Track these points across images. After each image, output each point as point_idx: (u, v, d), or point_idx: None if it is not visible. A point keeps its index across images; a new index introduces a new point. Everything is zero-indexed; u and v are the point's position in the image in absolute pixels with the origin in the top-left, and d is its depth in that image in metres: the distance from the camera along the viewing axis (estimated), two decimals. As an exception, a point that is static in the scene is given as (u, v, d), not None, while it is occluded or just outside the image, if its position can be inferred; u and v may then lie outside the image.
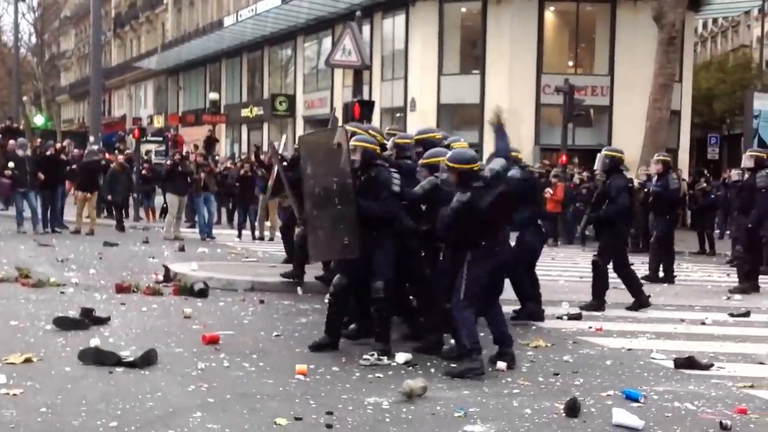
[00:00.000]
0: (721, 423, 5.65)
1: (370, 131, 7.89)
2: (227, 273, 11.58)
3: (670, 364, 7.48)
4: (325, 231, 7.33)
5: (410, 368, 7.00)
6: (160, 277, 11.31)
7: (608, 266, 10.42)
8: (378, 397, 6.10)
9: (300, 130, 38.95)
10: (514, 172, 8.59)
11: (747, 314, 10.20)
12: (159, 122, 50.70)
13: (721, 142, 40.30)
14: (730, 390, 6.69)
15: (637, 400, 6.23)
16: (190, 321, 8.70)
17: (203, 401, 5.88)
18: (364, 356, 7.08)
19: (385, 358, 7.12)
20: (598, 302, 10.32)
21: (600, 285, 10.36)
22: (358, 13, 13.07)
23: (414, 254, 7.77)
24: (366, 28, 33.35)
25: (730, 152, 41.30)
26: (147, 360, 6.79)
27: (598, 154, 10.71)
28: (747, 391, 6.65)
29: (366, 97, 32.67)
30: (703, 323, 9.71)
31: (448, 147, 7.97)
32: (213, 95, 41.40)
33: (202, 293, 10.14)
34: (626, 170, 10.65)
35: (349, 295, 7.55)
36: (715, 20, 52.54)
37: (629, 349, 8.14)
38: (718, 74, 45.45)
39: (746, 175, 13.29)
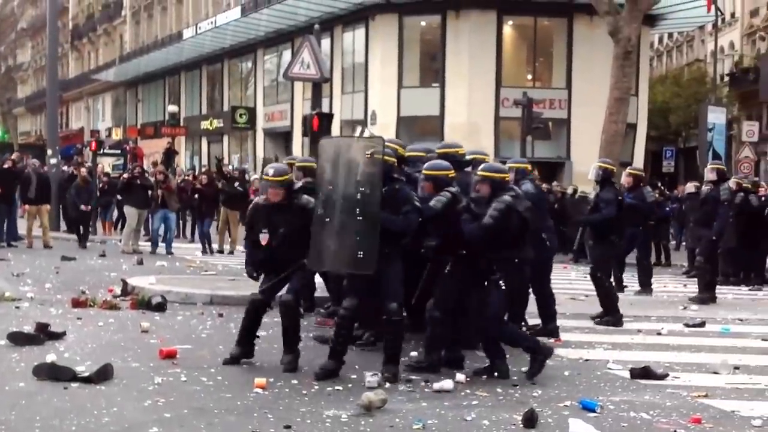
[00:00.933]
0: (675, 432, 5.74)
1: (390, 144, 7.75)
2: (186, 286, 11.48)
3: (627, 374, 7.56)
4: (337, 241, 6.94)
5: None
6: (118, 291, 11.18)
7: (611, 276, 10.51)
8: (337, 410, 6.09)
9: (260, 143, 38.90)
10: (527, 186, 8.57)
11: (702, 324, 10.36)
12: (117, 135, 50.22)
13: (676, 155, 40.96)
14: (685, 400, 6.78)
15: (593, 411, 6.29)
16: (147, 335, 8.62)
17: (160, 416, 5.82)
18: (368, 378, 6.80)
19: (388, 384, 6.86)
20: (614, 317, 10.19)
21: (608, 297, 10.31)
22: (317, 26, 13.10)
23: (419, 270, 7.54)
24: (326, 41, 33.41)
25: (685, 165, 41.97)
26: (103, 375, 6.71)
27: (593, 165, 10.77)
28: (702, 401, 6.74)
29: (326, 109, 32.81)
30: (659, 333, 9.84)
31: (469, 163, 8.15)
32: (172, 107, 41.17)
33: (160, 307, 10.04)
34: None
35: (357, 317, 7.25)
36: (671, 35, 53.42)
37: (587, 360, 8.23)
38: (674, 88, 46.18)
39: (705, 188, 13.50)
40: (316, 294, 10.52)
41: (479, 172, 7.31)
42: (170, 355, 7.58)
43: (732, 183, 13.94)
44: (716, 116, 28.56)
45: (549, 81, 31.59)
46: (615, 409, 6.41)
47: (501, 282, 7.25)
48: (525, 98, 24.80)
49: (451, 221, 7.16)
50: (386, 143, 7.35)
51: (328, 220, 6.95)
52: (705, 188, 13.45)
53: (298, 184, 7.82)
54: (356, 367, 7.46)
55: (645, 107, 32.83)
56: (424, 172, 7.35)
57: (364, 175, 6.89)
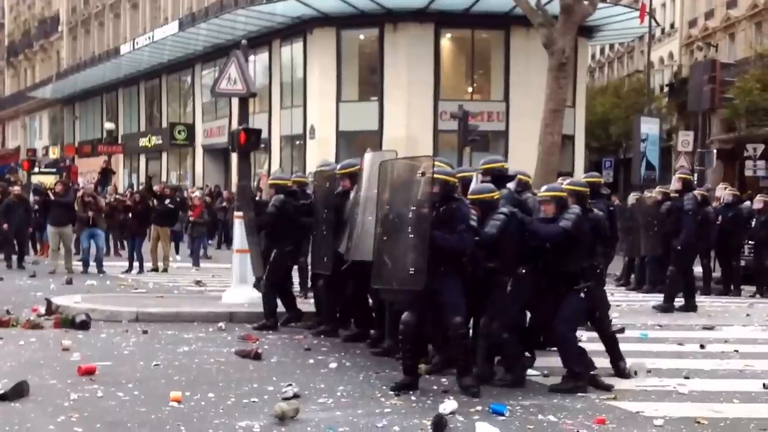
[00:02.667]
0: (578, 433, 5.91)
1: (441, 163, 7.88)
2: (111, 304, 11.40)
3: (542, 379, 7.73)
4: (392, 259, 7.11)
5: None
6: (42, 310, 11.05)
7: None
8: (250, 421, 6.15)
9: (199, 160, 38.66)
10: (532, 199, 8.51)
11: (622, 330, 10.57)
12: (55, 153, 49.51)
13: (616, 166, 41.68)
14: (593, 402, 6.97)
15: (502, 414, 6.45)
16: (68, 353, 8.54)
17: (71, 431, 5.81)
18: (284, 389, 6.87)
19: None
20: None
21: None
22: (244, 41, 13.09)
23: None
24: (264, 56, 33.53)
25: (625, 176, 42.74)
26: (18, 392, 6.67)
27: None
28: (609, 403, 6.94)
29: (266, 124, 32.90)
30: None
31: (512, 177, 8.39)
32: (109, 125, 40.75)
33: (84, 325, 9.96)
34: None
35: (420, 332, 7.27)
36: (611, 46, 54.47)
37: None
38: (613, 99, 47.07)
39: (661, 198, 13.68)
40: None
41: (544, 194, 7.55)
42: (89, 372, 7.55)
43: (696, 194, 13.72)
44: (649, 127, 29.15)
45: (487, 93, 31.94)
46: (523, 413, 6.57)
47: (584, 291, 7.38)
48: (461, 111, 25.09)
49: (509, 242, 7.31)
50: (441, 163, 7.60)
51: (385, 239, 7.15)
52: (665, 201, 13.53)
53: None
54: (273, 378, 7.53)
55: (582, 118, 33.36)
56: (470, 196, 7.49)
57: (415, 194, 7.04)
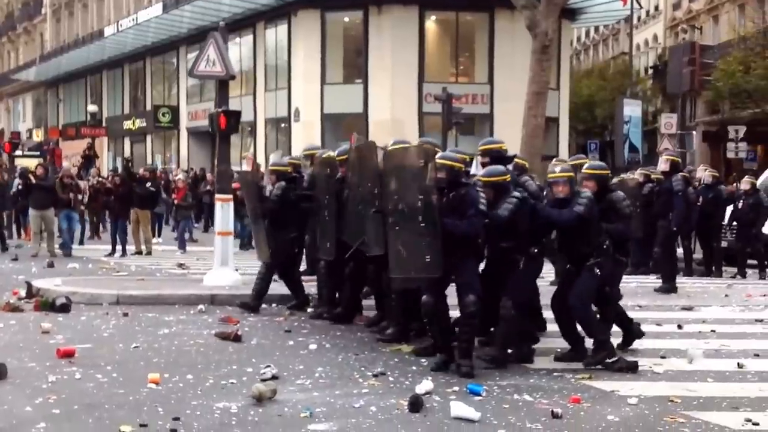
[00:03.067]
0: (552, 412, 5.97)
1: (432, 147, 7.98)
2: (92, 287, 11.38)
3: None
4: (407, 248, 7.19)
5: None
6: (22, 293, 11.03)
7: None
8: (228, 402, 6.18)
9: (184, 143, 38.51)
10: (531, 182, 8.60)
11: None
12: (39, 136, 49.21)
13: (601, 148, 41.82)
14: (569, 382, 7.04)
15: (479, 394, 6.51)
16: (48, 336, 8.55)
17: (49, 413, 5.85)
18: (262, 370, 6.94)
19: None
20: None
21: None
22: (222, 23, 13.03)
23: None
24: (248, 38, 33.38)
25: (611, 158, 42.84)
26: (-4, 375, 6.68)
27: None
28: (585, 382, 7.01)
29: (251, 107, 32.79)
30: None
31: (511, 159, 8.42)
32: (92, 107, 40.47)
33: (64, 308, 9.96)
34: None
35: (440, 311, 7.41)
36: (596, 29, 54.50)
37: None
38: (599, 82, 47.14)
39: (643, 180, 13.69)
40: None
41: (558, 174, 7.64)
42: (68, 354, 7.56)
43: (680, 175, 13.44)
44: (632, 109, 29.27)
45: (472, 76, 31.91)
46: (500, 392, 6.63)
47: (597, 268, 7.51)
48: (445, 93, 25.08)
49: (520, 223, 7.40)
50: (456, 150, 7.82)
51: (397, 228, 7.22)
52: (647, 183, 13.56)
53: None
54: (253, 360, 7.57)
55: (567, 101, 33.37)
56: (481, 179, 7.52)
57: (420, 183, 7.10)
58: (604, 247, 7.62)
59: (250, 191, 10.63)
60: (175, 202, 19.61)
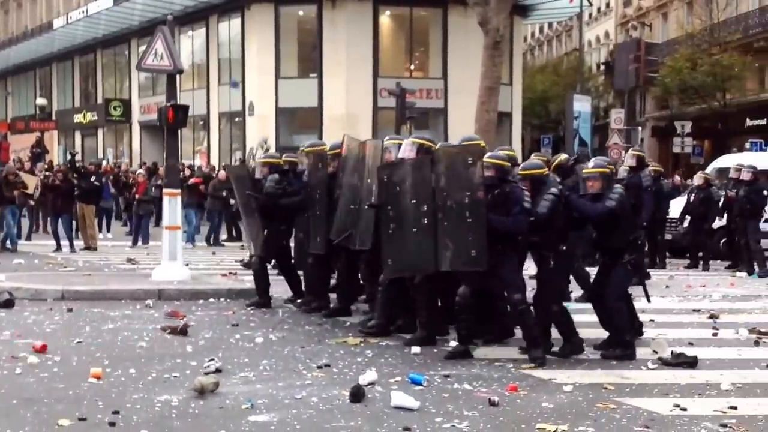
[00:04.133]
0: (489, 400, 6.11)
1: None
2: (36, 283, 11.28)
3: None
4: (452, 242, 7.44)
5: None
6: (-36, 290, 10.89)
7: None
8: (169, 395, 6.21)
9: (136, 136, 38.15)
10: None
11: None
12: (-13, 129, 48.28)
13: (555, 143, 42.33)
14: (509, 371, 7.18)
15: (420, 384, 6.62)
16: (-10, 331, 8.48)
17: (-13, 408, 5.82)
18: (206, 363, 7.00)
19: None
20: None
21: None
22: (170, 16, 12.99)
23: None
24: (201, 31, 33.17)
25: (563, 152, 43.32)
26: (-65, 371, 6.63)
27: None
28: (524, 372, 7.16)
29: (204, 101, 32.59)
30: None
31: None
32: (41, 100, 39.87)
33: (8, 303, 9.87)
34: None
35: (473, 304, 7.62)
36: (550, 25, 55.03)
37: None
38: (552, 77, 47.68)
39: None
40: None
41: (591, 170, 7.81)
42: (43, 350, 7.54)
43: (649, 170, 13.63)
44: (582, 104, 29.67)
45: (426, 71, 32.08)
46: (441, 382, 6.75)
47: (629, 263, 7.74)
48: (398, 88, 25.16)
49: (556, 219, 7.57)
50: (503, 149, 8.15)
51: (446, 224, 7.46)
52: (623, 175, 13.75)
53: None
54: (198, 354, 7.61)
55: (519, 96, 33.70)
56: (519, 172, 7.75)
57: (467, 180, 7.37)
58: (639, 242, 7.89)
59: (242, 185, 10.61)
60: (137, 196, 19.45)
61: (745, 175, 15.04)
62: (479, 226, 7.30)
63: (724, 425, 5.68)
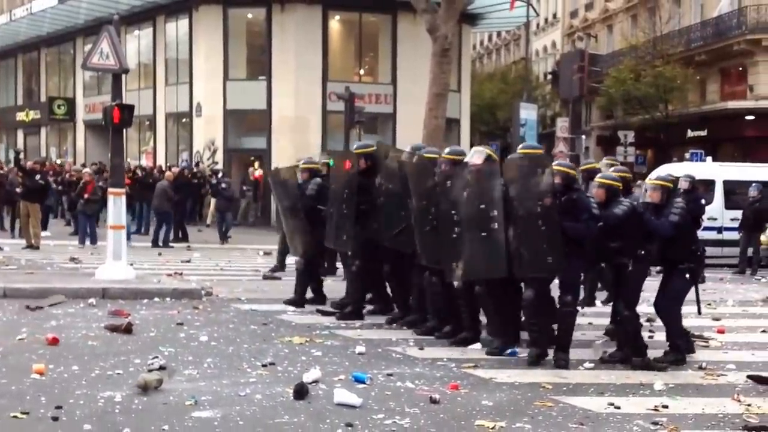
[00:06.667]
0: (431, 397, 6.25)
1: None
2: (-23, 280, 11.15)
3: (412, 352, 8.05)
4: (526, 249, 7.62)
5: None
6: None
7: None
8: (112, 392, 6.22)
9: (81, 136, 37.61)
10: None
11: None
12: (-73, 126, 47.13)
13: (503, 150, 42.83)
14: (452, 371, 7.34)
15: (363, 382, 6.73)
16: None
17: (-75, 405, 5.78)
18: (149, 360, 7.09)
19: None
20: None
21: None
22: (116, 16, 12.95)
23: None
24: (148, 31, 32.85)
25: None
26: None
27: None
28: (466, 371, 7.32)
29: (150, 101, 32.30)
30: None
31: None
32: (-20, 98, 39.09)
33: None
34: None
35: (540, 306, 7.80)
36: (499, 33, 55.69)
37: (378, 340, 8.65)
38: (501, 85, 48.30)
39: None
40: None
41: (654, 182, 8.15)
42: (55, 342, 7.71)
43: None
44: (528, 112, 30.10)
45: (375, 76, 32.20)
46: (384, 381, 6.87)
47: (688, 273, 7.98)
48: (347, 93, 25.27)
49: (631, 226, 7.79)
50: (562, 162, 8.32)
51: (519, 231, 7.67)
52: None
53: None
54: (142, 352, 7.60)
55: (468, 103, 34.01)
56: (598, 180, 8.07)
57: (538, 188, 7.60)
58: (698, 253, 8.17)
59: (286, 190, 10.99)
60: (86, 196, 19.21)
61: (683, 184, 15.45)
62: (554, 233, 7.52)
63: (656, 423, 5.89)
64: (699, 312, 8.46)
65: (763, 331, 9.84)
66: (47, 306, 9.89)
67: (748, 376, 7.36)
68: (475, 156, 8.38)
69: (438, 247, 8.42)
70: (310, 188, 10.65)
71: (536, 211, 7.57)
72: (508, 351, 8.03)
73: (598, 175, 8.51)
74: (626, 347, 7.96)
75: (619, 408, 6.24)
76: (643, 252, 8.01)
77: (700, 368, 7.77)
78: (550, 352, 7.74)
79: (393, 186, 9.34)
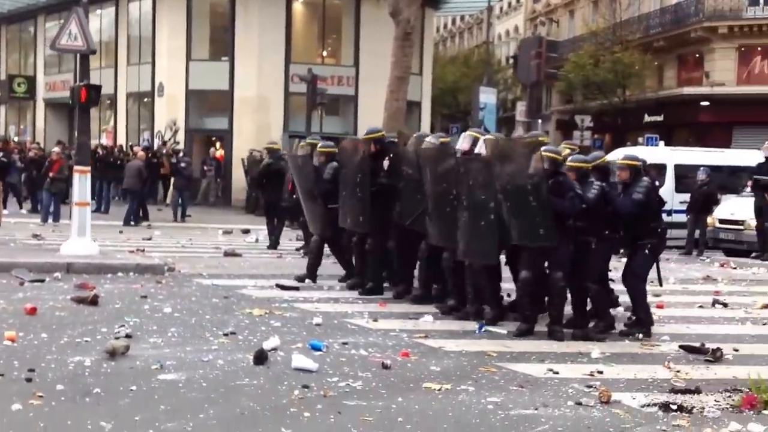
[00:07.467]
0: (382, 363, 6.67)
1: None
2: None
3: (366, 323, 8.47)
4: (518, 222, 8.27)
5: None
6: None
7: None
8: (82, 357, 6.56)
9: (41, 114, 37.43)
10: None
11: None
12: None
13: (464, 132, 43.23)
14: (404, 340, 7.77)
15: (319, 350, 7.14)
16: None
17: None
18: (116, 329, 7.48)
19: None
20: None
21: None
22: (82, -4, 13.11)
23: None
24: (111, 10, 32.75)
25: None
26: None
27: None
28: (419, 341, 7.75)
29: (112, 80, 32.24)
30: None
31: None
32: (-63, 75, 38.65)
33: None
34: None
35: (535, 288, 8.33)
36: (462, 17, 56.07)
37: (335, 312, 9.06)
38: (463, 69, 48.73)
39: None
40: None
41: (622, 161, 8.76)
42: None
43: None
44: (487, 96, 30.58)
45: (338, 58, 32.45)
46: (339, 349, 7.29)
47: (647, 248, 8.54)
48: (309, 74, 25.53)
49: (599, 208, 8.30)
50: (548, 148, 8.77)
51: (509, 204, 8.30)
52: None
53: None
54: (108, 322, 7.92)
55: (429, 86, 34.39)
56: (569, 164, 8.49)
57: (532, 169, 8.17)
58: (659, 230, 8.70)
59: (304, 173, 11.43)
60: (51, 175, 19.30)
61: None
62: (544, 207, 8.06)
63: (590, 386, 6.37)
64: (660, 284, 9.18)
65: (700, 307, 10.41)
66: (28, 282, 10.17)
67: (680, 346, 7.89)
68: (482, 145, 8.90)
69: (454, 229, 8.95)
70: (327, 172, 11.09)
71: (528, 188, 8.14)
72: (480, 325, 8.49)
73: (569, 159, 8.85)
74: (605, 317, 8.55)
75: (557, 373, 6.72)
76: (608, 232, 8.52)
77: (637, 339, 8.28)
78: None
79: (412, 171, 9.81)
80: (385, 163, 10.18)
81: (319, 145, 11.76)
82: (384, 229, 10.19)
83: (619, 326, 8.70)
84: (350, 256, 11.21)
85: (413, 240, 9.81)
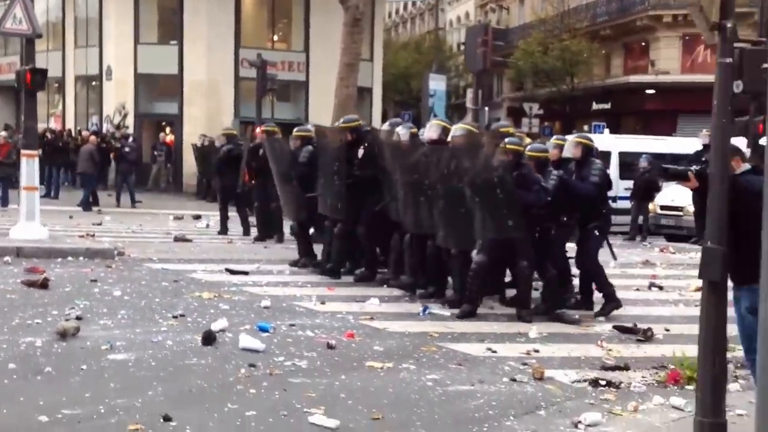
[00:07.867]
0: (327, 343, 6.92)
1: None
2: None
3: (314, 305, 8.70)
4: (486, 215, 8.45)
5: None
6: None
7: None
8: (33, 338, 6.70)
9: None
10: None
11: None
12: None
13: (415, 119, 43.53)
14: (349, 322, 8.02)
15: (267, 331, 7.36)
16: None
17: None
18: (67, 311, 7.64)
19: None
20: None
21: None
22: (30, -22, 13.04)
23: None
24: (58, -9, 32.35)
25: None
26: None
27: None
28: (365, 323, 8.01)
29: (59, 63, 31.84)
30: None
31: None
32: None
33: None
34: None
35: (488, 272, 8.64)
36: (414, 2, 56.25)
37: (283, 296, 9.26)
38: (414, 55, 48.96)
39: None
40: None
41: (575, 138, 9.15)
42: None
43: None
44: (437, 83, 30.90)
45: (289, 43, 32.46)
46: (287, 330, 7.52)
47: (596, 230, 8.89)
48: (259, 59, 25.52)
49: (560, 196, 8.56)
50: (517, 134, 9.27)
51: (477, 199, 8.48)
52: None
53: None
54: (58, 305, 8.04)
55: (380, 72, 34.53)
56: (528, 153, 8.72)
57: (492, 162, 8.41)
58: (604, 212, 8.99)
59: (280, 157, 11.48)
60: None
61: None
62: (511, 200, 8.26)
63: (525, 363, 6.69)
64: (614, 258, 9.75)
65: (636, 290, 10.82)
66: None
67: (614, 327, 8.26)
68: (457, 133, 9.10)
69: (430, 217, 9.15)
70: (302, 155, 11.21)
71: (494, 182, 8.35)
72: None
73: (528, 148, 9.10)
74: (549, 301, 8.83)
75: (495, 352, 7.03)
76: (565, 219, 8.84)
77: (573, 320, 8.64)
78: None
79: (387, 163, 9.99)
80: (360, 152, 10.31)
81: (295, 129, 11.94)
82: (359, 216, 10.27)
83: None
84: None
85: (388, 227, 9.94)
